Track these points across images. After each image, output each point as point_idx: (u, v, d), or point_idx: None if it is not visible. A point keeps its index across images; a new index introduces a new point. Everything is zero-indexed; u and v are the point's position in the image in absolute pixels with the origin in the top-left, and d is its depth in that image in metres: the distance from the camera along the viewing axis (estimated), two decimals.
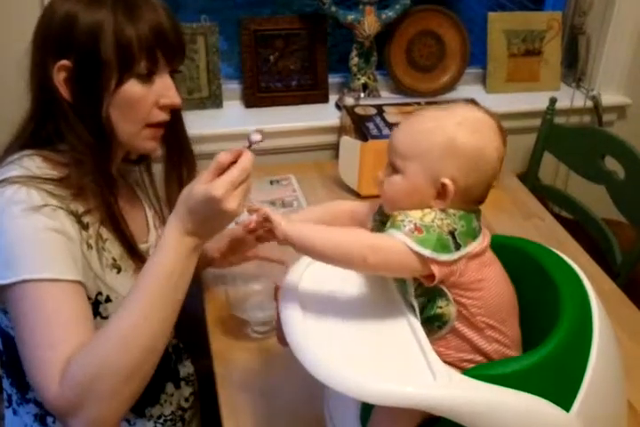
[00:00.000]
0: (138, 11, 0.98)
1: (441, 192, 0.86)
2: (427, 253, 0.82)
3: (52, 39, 1.00)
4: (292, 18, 1.93)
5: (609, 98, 2.12)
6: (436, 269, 0.83)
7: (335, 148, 1.89)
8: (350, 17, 1.87)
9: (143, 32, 0.98)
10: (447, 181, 0.85)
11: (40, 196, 0.96)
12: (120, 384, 0.88)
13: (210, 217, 0.90)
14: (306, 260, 0.96)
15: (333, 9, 1.86)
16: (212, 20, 1.87)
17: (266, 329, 1.26)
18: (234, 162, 0.90)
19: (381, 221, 0.93)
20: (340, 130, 1.90)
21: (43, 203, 0.95)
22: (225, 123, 1.90)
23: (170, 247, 0.92)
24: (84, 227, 1.01)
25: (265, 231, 0.88)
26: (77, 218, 1.00)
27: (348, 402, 0.97)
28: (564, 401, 0.83)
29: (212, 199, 0.87)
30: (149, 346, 0.90)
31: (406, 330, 0.86)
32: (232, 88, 1.99)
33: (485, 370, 0.83)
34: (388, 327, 0.87)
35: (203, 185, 0.88)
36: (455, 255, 0.84)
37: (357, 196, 1.71)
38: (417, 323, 0.87)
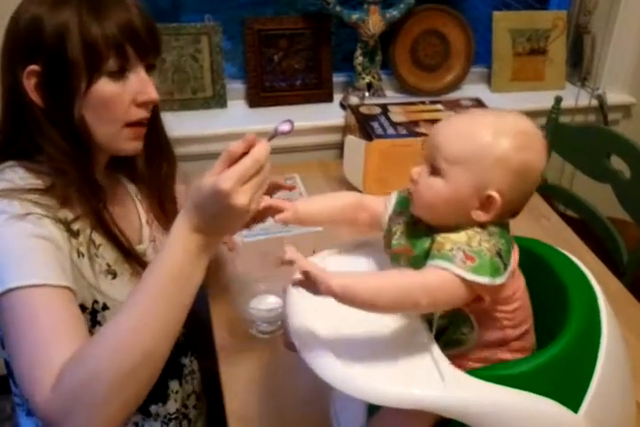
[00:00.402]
0: (104, 9, 0.96)
1: (484, 204, 0.83)
2: (485, 280, 0.79)
3: (20, 45, 0.97)
4: (297, 17, 1.93)
5: (614, 97, 2.12)
6: (487, 296, 0.81)
7: (340, 147, 1.89)
8: (355, 16, 1.87)
9: (110, 29, 0.95)
10: (495, 193, 0.82)
11: (23, 205, 0.93)
12: (113, 392, 0.82)
13: (218, 213, 0.83)
14: (313, 260, 0.95)
15: (338, 8, 1.85)
16: (216, 19, 1.86)
17: (271, 329, 1.26)
18: (247, 152, 0.83)
19: (408, 223, 0.90)
20: (345, 129, 1.90)
21: (26, 211, 0.92)
22: (229, 122, 1.89)
23: (176, 245, 0.86)
24: (74, 234, 0.98)
25: (301, 282, 0.80)
26: (66, 226, 0.97)
27: (355, 403, 0.96)
28: (573, 402, 0.83)
29: (219, 193, 0.80)
30: (148, 353, 0.84)
31: (414, 333, 0.86)
32: (236, 88, 1.98)
33: (493, 371, 0.83)
34: (396, 330, 0.87)
35: (211, 177, 0.82)
36: (506, 276, 0.82)
37: None
38: (425, 326, 0.87)
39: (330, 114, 1.96)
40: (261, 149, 0.83)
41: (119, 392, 0.83)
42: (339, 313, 0.88)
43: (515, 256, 0.86)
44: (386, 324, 0.88)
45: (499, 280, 0.80)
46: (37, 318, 0.87)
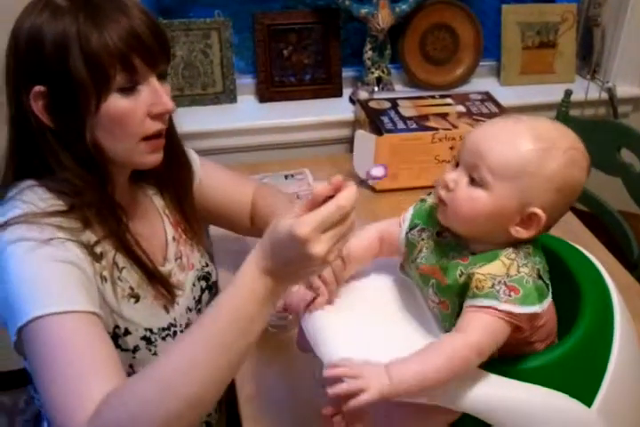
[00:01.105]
0: (103, 15, 0.89)
1: (526, 221, 0.80)
2: (535, 309, 0.77)
3: (22, 63, 0.92)
4: (306, 12, 1.93)
5: (624, 90, 2.10)
6: (526, 324, 0.79)
7: (349, 141, 1.89)
8: (364, 10, 1.86)
9: (111, 40, 0.88)
10: (540, 211, 0.79)
11: (45, 230, 0.88)
12: None
13: (292, 259, 0.75)
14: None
15: (347, 2, 1.85)
16: (224, 14, 1.86)
17: (282, 323, 1.26)
18: (332, 196, 0.75)
19: (433, 237, 0.87)
20: (355, 124, 1.90)
21: (49, 237, 0.88)
22: (239, 118, 1.90)
23: (243, 285, 0.78)
24: (97, 258, 0.94)
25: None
26: (89, 250, 0.92)
27: None
28: (586, 396, 0.83)
29: (295, 238, 0.72)
30: (193, 399, 0.77)
31: (428, 329, 0.87)
32: (246, 83, 1.99)
33: (506, 365, 0.83)
34: (409, 328, 0.87)
35: (289, 220, 0.74)
36: (550, 296, 0.80)
37: (372, 190, 1.70)
38: (438, 323, 0.87)
39: (339, 109, 1.96)
40: (349, 195, 0.75)
41: None
42: (353, 311, 0.89)
43: (547, 268, 0.85)
44: (398, 320, 0.88)
45: (546, 303, 0.79)
46: (67, 347, 0.83)
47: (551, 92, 2.02)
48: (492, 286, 0.77)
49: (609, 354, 0.86)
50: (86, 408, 0.78)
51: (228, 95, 1.93)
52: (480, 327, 0.77)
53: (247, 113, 1.93)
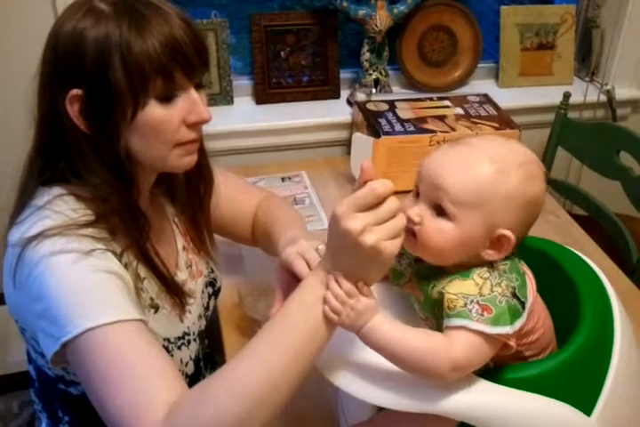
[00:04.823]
0: (145, 23, 0.88)
1: (495, 243, 0.80)
2: (507, 329, 0.76)
3: (61, 66, 0.90)
4: (303, 13, 1.92)
5: (623, 92, 2.10)
6: (512, 341, 0.78)
7: (346, 144, 1.88)
8: (362, 12, 1.85)
9: (153, 49, 0.87)
10: (507, 232, 0.79)
11: (84, 242, 0.88)
12: None
13: (339, 244, 0.77)
14: None
15: (344, 4, 1.84)
16: (220, 13, 1.86)
17: None
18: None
19: (412, 263, 0.88)
20: (352, 126, 1.89)
21: (91, 248, 0.88)
22: (236, 119, 1.89)
23: (309, 286, 0.81)
24: (125, 268, 0.93)
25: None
26: (119, 259, 0.92)
27: (364, 407, 0.96)
28: (585, 405, 0.83)
29: (333, 218, 0.76)
30: (264, 399, 0.78)
31: None
32: (243, 84, 1.98)
33: (505, 374, 0.82)
34: None
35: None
36: (525, 315, 0.79)
37: None
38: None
39: (337, 111, 1.95)
40: (384, 181, 0.77)
41: None
42: None
43: (531, 285, 0.84)
44: None
45: (519, 324, 0.78)
46: (126, 356, 0.83)
47: (550, 95, 2.02)
48: (465, 305, 0.77)
49: (609, 361, 0.85)
50: (158, 415, 0.78)
51: (224, 97, 1.92)
52: (461, 345, 0.77)
53: (244, 115, 1.92)
